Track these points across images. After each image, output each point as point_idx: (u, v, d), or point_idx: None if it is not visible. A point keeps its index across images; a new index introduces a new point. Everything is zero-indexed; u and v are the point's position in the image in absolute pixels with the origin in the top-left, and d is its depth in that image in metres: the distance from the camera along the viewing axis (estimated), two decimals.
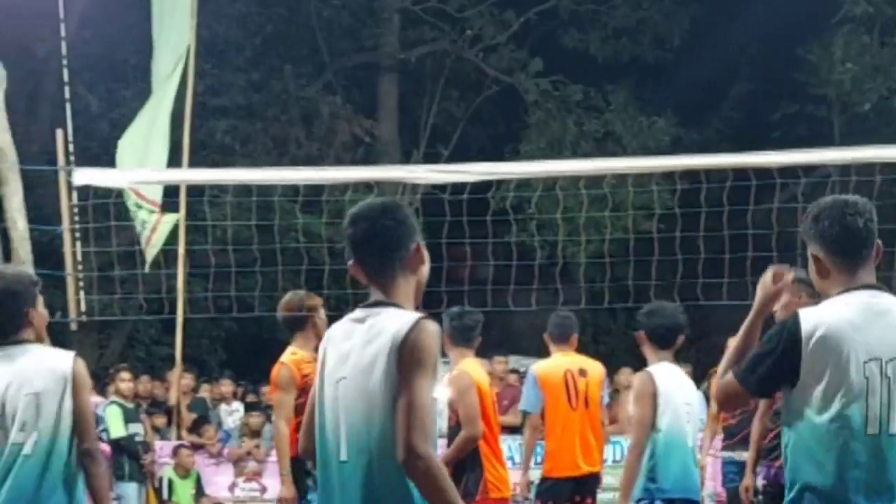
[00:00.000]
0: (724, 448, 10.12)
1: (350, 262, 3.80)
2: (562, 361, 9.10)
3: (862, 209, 4.03)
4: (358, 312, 3.76)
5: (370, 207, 3.78)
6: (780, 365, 3.93)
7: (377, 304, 3.73)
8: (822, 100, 20.64)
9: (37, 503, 5.05)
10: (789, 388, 3.94)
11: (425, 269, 3.82)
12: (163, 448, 12.91)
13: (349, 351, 3.68)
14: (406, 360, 3.53)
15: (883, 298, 3.98)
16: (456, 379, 7.49)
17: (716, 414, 10.01)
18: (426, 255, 3.80)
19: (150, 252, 11.96)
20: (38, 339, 5.31)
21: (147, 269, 11.92)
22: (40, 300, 5.31)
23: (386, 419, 3.55)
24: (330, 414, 3.69)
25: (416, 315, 3.64)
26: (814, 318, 3.90)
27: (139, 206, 11.73)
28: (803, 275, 4.63)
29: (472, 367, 7.71)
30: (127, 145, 12.74)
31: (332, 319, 4.52)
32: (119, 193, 11.20)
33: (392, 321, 3.63)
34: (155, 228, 11.91)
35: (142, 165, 12.28)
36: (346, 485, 3.62)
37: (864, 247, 4.01)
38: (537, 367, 9.21)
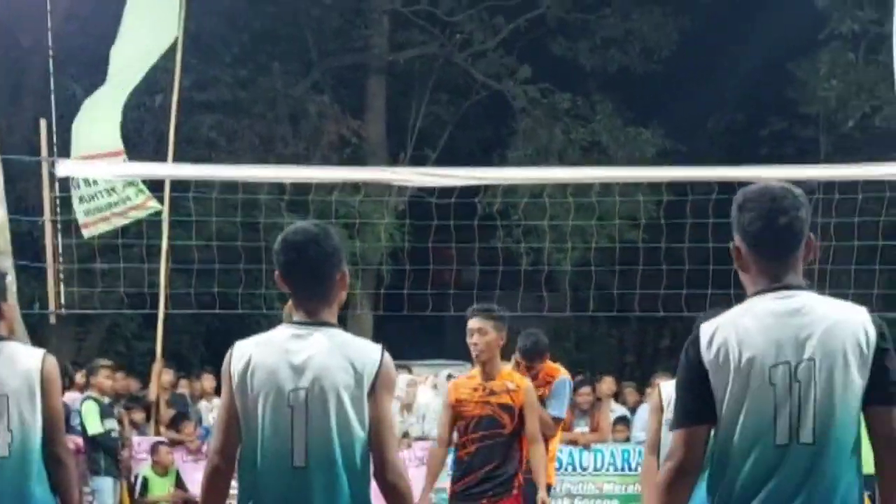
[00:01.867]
0: None
1: (276, 274, 4.00)
2: None
3: (790, 206, 3.57)
4: (296, 330, 3.96)
5: (303, 235, 3.95)
6: (691, 378, 3.57)
7: (317, 323, 3.96)
8: (810, 119, 20.69)
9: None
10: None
11: (344, 294, 4.08)
12: (140, 444, 12.80)
13: (303, 364, 3.86)
14: (381, 385, 3.89)
15: (796, 298, 3.55)
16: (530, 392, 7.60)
17: None
18: (347, 282, 4.05)
19: (116, 222, 11.67)
20: (10, 331, 5.19)
21: (86, 237, 11.62)
22: (11, 292, 5.21)
23: (351, 431, 3.84)
24: (280, 422, 3.85)
25: (378, 345, 3.99)
26: (712, 325, 3.57)
27: (131, 184, 11.48)
28: None
29: None
30: (80, 128, 12.34)
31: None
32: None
33: (355, 343, 3.95)
34: (137, 207, 11.67)
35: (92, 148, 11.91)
36: (303, 488, 3.84)
37: (788, 249, 3.59)
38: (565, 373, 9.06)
